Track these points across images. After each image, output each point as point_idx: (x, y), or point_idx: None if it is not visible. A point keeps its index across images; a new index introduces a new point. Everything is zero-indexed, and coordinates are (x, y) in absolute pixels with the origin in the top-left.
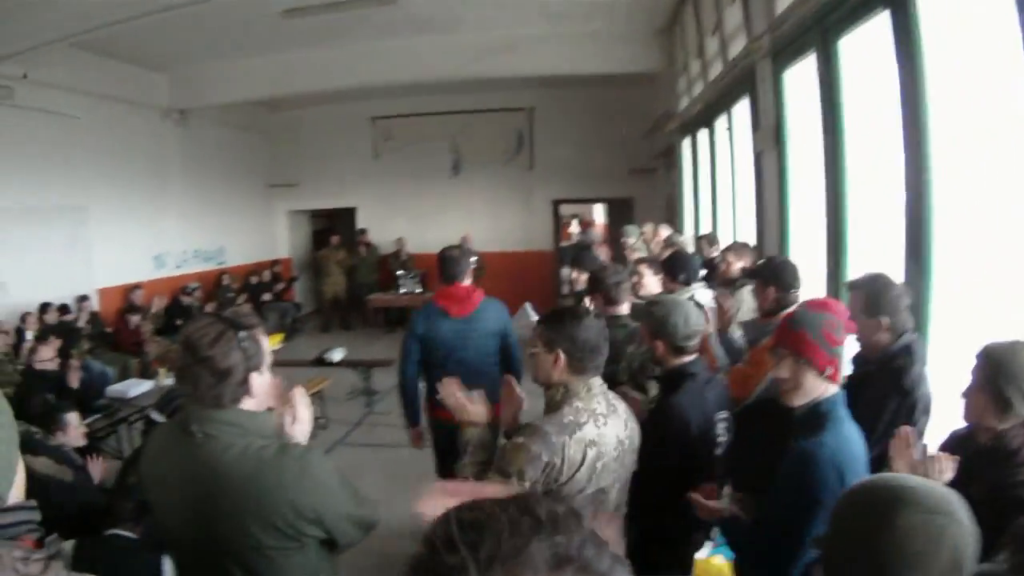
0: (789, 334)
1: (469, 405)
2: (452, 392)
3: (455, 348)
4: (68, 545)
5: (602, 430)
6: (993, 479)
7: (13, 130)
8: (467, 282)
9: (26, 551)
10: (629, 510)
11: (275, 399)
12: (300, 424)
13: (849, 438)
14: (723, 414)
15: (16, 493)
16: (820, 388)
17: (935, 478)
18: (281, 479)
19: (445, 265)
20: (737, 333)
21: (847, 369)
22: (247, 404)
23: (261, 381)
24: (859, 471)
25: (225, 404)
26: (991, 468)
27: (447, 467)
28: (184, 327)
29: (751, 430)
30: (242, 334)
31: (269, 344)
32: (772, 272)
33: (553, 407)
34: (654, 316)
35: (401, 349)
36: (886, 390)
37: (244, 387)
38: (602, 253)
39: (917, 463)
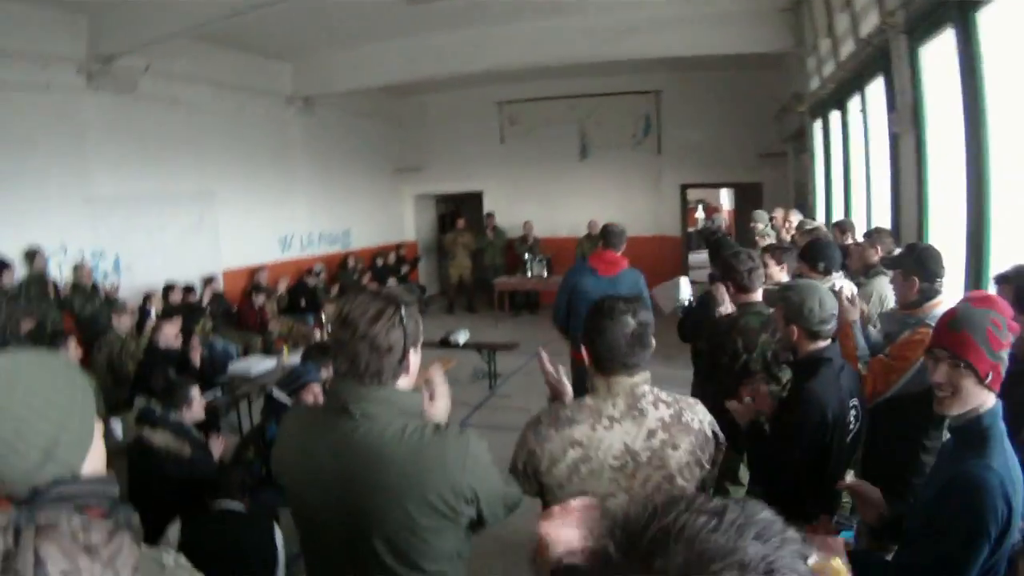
0: (948, 334)
1: (552, 375)
2: (542, 359)
3: (594, 293)
4: (174, 529)
5: (600, 433)
6: None
7: (138, 119)
8: (619, 251)
9: (87, 520)
10: (753, 495)
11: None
12: (440, 400)
13: (1012, 457)
14: (854, 401)
15: (92, 465)
16: (980, 397)
17: None
18: (444, 459)
19: (607, 233)
20: (874, 325)
21: None
22: (402, 382)
23: (416, 359)
24: (1020, 496)
25: (386, 381)
26: None
27: None
28: (341, 303)
29: (887, 425)
30: (404, 310)
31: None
32: (916, 260)
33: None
34: (789, 301)
35: (555, 298)
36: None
37: (403, 364)
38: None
39: None
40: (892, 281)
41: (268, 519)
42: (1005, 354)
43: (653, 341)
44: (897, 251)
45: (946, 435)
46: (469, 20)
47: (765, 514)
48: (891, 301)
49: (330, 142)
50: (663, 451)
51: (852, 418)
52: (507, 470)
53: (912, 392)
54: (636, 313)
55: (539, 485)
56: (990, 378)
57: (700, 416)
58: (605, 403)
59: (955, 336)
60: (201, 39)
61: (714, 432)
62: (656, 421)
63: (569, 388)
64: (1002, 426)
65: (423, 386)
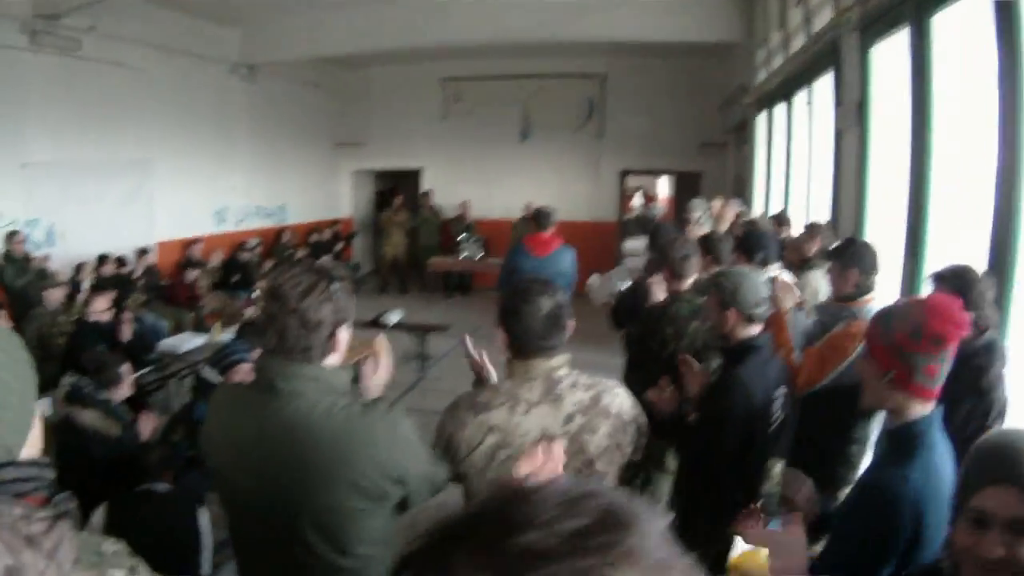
0: (869, 334)
1: (487, 370)
2: (466, 344)
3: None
4: (99, 513)
5: (516, 418)
6: None
7: (80, 82)
8: (550, 231)
9: (28, 509)
10: (679, 482)
11: (352, 350)
12: (383, 372)
13: (939, 469)
14: (781, 391)
15: (30, 449)
16: (908, 404)
17: None
18: (372, 437)
19: (538, 215)
20: (808, 316)
21: None
22: (331, 359)
23: (346, 336)
24: (940, 511)
25: (314, 358)
26: None
27: None
28: (272, 276)
29: (818, 416)
30: (334, 285)
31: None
32: (854, 254)
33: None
34: (722, 286)
35: (498, 279)
36: (961, 390)
37: (332, 341)
38: None
39: None
40: (829, 272)
41: (191, 502)
42: (922, 357)
43: (571, 323)
44: (835, 245)
45: (875, 430)
46: None
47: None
48: (824, 294)
49: (272, 113)
50: (581, 435)
51: (778, 408)
52: (430, 451)
53: (844, 384)
54: (552, 294)
55: (457, 470)
56: (890, 376)
57: (620, 400)
58: (522, 387)
59: (870, 330)
60: (152, 0)
61: (635, 417)
62: (574, 405)
63: (493, 373)
64: (936, 436)
65: (368, 359)
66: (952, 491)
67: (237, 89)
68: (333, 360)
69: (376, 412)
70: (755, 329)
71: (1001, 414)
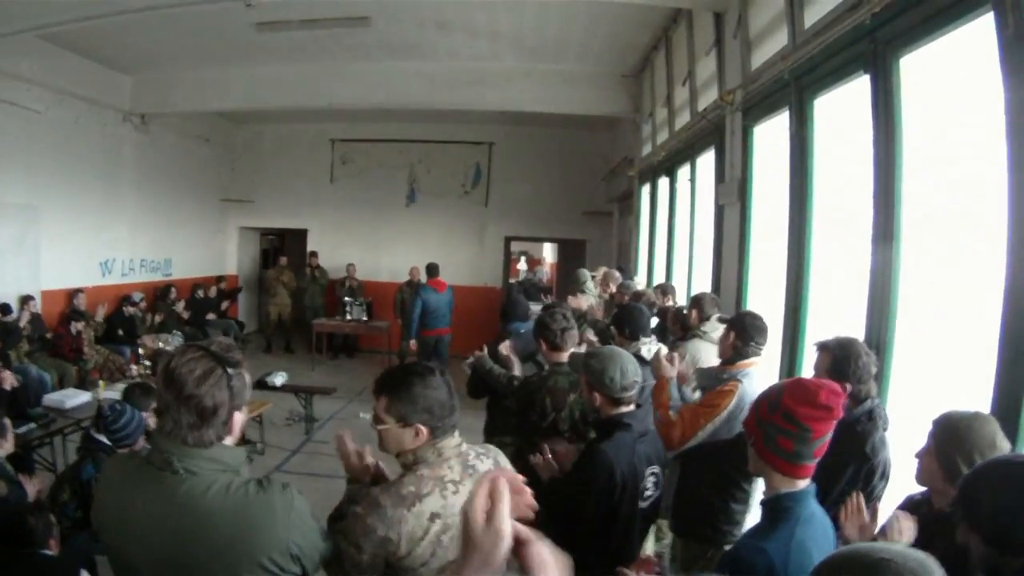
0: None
1: (353, 459)
2: (343, 442)
3: (436, 308)
4: None
5: (450, 500)
6: (952, 541)
7: None
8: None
9: None
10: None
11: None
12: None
13: (802, 544)
14: (654, 468)
15: None
16: (774, 477)
17: (895, 539)
18: (272, 518)
19: (432, 267)
20: (691, 386)
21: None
22: (227, 442)
23: (241, 419)
24: None
25: (208, 443)
26: (949, 531)
27: None
28: (168, 358)
29: (697, 472)
30: (231, 371)
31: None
32: (738, 321)
33: (404, 471)
34: (591, 368)
35: (411, 306)
36: (846, 456)
37: (228, 425)
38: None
39: (866, 526)
40: (720, 338)
41: (76, 567)
42: (773, 428)
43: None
44: (716, 315)
45: (758, 490)
46: (314, 54)
47: None
48: (704, 363)
49: (161, 164)
50: None
51: (651, 484)
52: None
53: (721, 441)
54: (444, 374)
55: (397, 566)
56: (752, 441)
57: (508, 462)
58: (441, 468)
59: (749, 412)
60: (48, 40)
61: None
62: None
63: (369, 470)
64: (806, 512)
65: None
66: None
67: (128, 138)
68: (229, 442)
69: (273, 491)
70: (624, 408)
71: (884, 475)
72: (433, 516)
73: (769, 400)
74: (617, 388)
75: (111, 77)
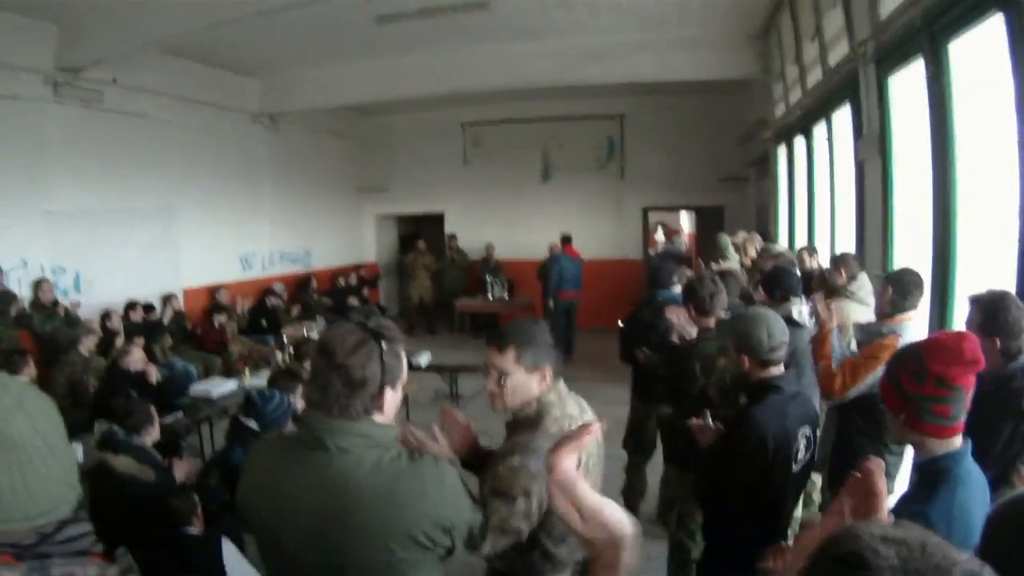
0: (884, 373)
1: (429, 443)
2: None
3: (570, 274)
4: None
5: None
6: None
7: (103, 133)
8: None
9: (100, 567)
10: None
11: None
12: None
13: (964, 505)
14: (806, 430)
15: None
16: (926, 441)
17: None
18: (422, 489)
19: (566, 237)
20: (846, 341)
21: None
22: (376, 418)
23: (393, 397)
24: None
25: (353, 415)
26: None
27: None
28: (325, 331)
29: (854, 424)
30: (384, 345)
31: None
32: (896, 275)
33: (529, 424)
34: (737, 331)
35: (550, 271)
36: (1001, 413)
37: (377, 400)
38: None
39: None
40: (879, 292)
41: (217, 542)
42: (927, 399)
43: None
44: (863, 275)
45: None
46: (437, 42)
47: None
48: (853, 322)
49: (294, 160)
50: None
51: (803, 447)
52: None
53: (878, 394)
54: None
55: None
56: (902, 418)
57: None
58: (567, 407)
59: (886, 369)
60: (169, 52)
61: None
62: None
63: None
64: (963, 472)
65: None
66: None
67: (259, 138)
68: (379, 419)
69: (424, 464)
70: (773, 370)
71: None
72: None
73: (910, 370)
74: (765, 349)
75: (236, 81)
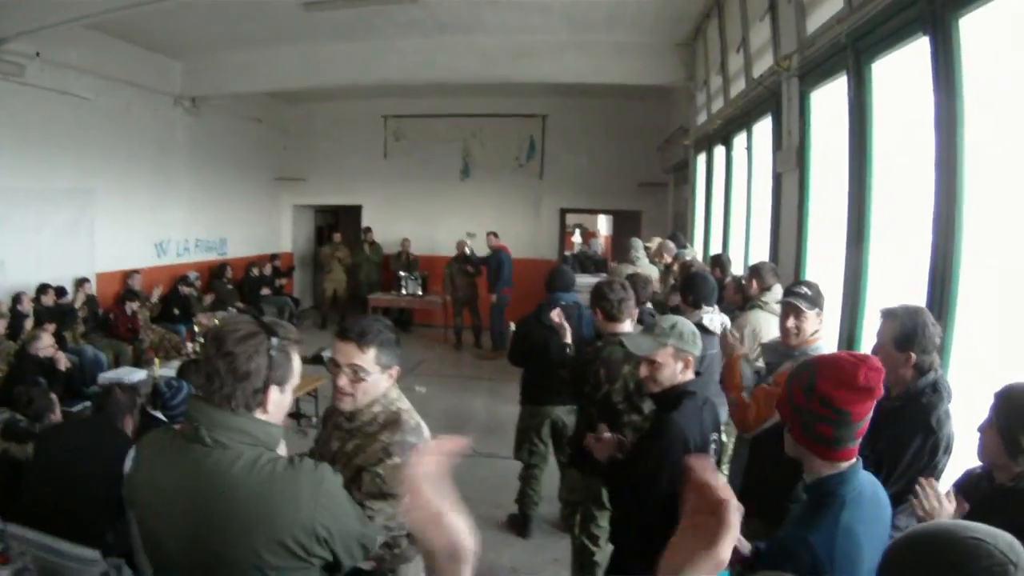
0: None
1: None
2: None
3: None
4: None
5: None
6: (1013, 518)
7: (23, 109)
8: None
9: None
10: (613, 526)
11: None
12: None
13: (850, 528)
14: (714, 435)
15: None
16: (813, 460)
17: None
18: (296, 495)
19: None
20: (756, 359)
21: None
22: (258, 415)
23: (280, 398)
24: (852, 569)
25: (235, 407)
26: (1010, 507)
27: None
28: (221, 319)
29: (768, 454)
30: (274, 340)
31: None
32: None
33: (390, 423)
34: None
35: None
36: (910, 428)
37: (260, 396)
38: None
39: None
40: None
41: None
42: (811, 415)
43: None
44: (776, 286)
45: None
46: (364, 32)
47: None
48: (764, 334)
49: (214, 146)
50: None
51: (712, 452)
52: (360, 509)
53: None
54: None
55: None
56: (789, 428)
57: None
58: (403, 400)
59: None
60: (95, 28)
61: None
62: None
63: None
64: (851, 495)
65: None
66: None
67: (180, 122)
68: (262, 416)
69: (302, 468)
70: (690, 375)
71: (948, 449)
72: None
73: (802, 384)
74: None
75: (160, 62)
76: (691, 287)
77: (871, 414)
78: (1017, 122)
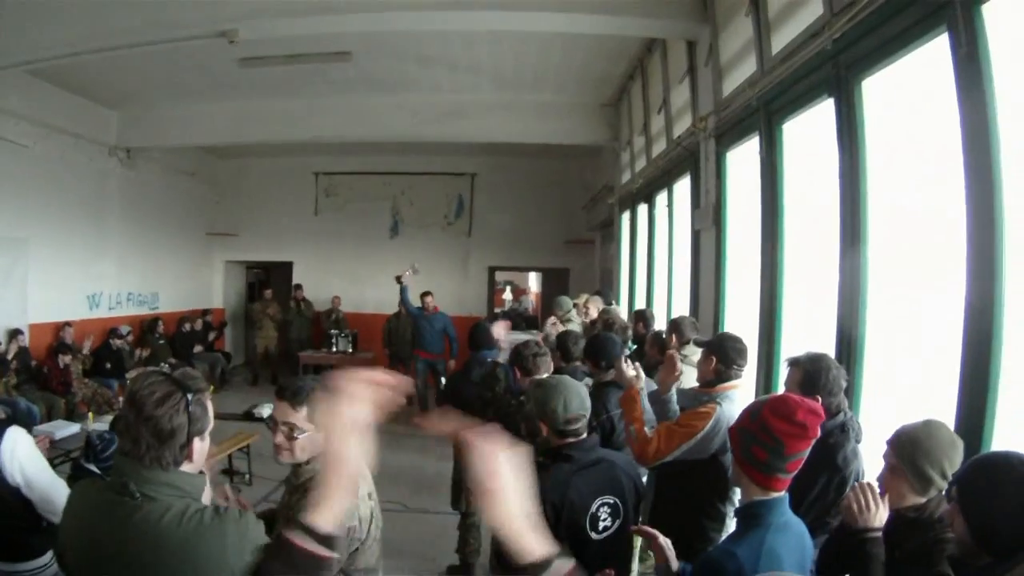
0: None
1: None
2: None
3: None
4: None
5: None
6: (920, 541)
7: None
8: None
9: None
10: None
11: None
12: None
13: (773, 549)
14: (606, 499)
15: None
16: (749, 486)
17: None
18: (223, 544)
19: (426, 293)
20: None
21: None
22: (185, 468)
23: (202, 446)
24: None
25: (165, 467)
26: (916, 533)
27: None
28: (132, 380)
29: (671, 489)
30: (190, 396)
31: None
32: (718, 344)
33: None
34: (535, 398)
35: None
36: (818, 466)
37: (185, 450)
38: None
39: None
40: (698, 361)
41: None
42: (750, 436)
43: None
44: (694, 338)
45: (732, 509)
46: (297, 88)
47: None
48: (684, 387)
49: (147, 198)
50: None
51: (605, 515)
52: None
53: (696, 459)
54: None
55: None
56: (733, 449)
57: None
58: None
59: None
60: (35, 75)
61: None
62: None
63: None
64: (778, 521)
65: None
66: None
67: (114, 173)
68: (188, 468)
69: (228, 518)
70: (570, 439)
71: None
72: (368, 494)
73: (751, 410)
74: (560, 421)
75: (97, 112)
76: (598, 349)
77: (805, 454)
78: (914, 173)
